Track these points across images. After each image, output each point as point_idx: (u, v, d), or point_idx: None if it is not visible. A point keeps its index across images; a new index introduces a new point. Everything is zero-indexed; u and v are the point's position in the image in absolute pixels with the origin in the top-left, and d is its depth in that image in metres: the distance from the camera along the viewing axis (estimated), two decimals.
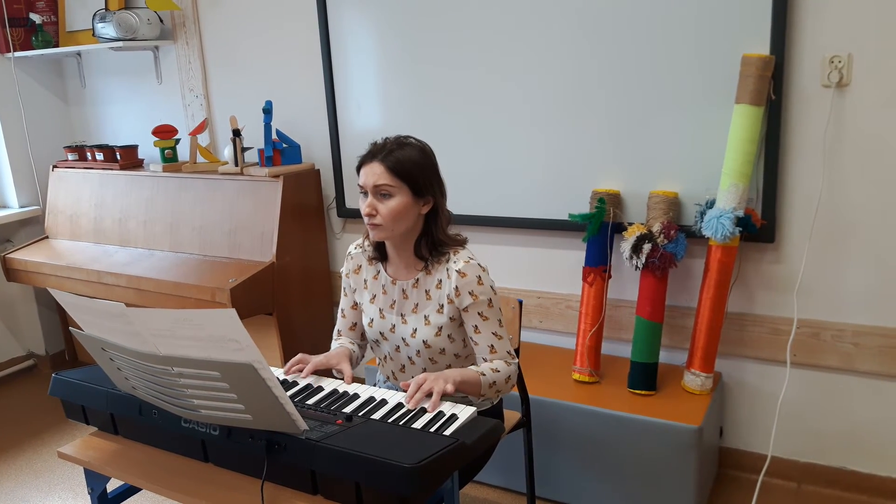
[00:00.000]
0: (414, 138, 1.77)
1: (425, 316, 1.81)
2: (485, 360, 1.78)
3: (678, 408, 2.31)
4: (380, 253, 1.87)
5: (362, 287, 1.92)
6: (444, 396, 1.60)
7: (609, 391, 2.47)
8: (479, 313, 1.76)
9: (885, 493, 2.40)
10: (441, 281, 1.79)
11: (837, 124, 2.23)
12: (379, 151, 1.72)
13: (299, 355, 1.82)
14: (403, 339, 1.85)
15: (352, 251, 1.94)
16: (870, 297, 2.29)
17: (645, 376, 2.42)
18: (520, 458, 2.26)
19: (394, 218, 1.71)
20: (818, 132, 2.25)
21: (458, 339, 1.84)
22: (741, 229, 2.26)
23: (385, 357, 1.94)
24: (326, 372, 1.81)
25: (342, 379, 1.76)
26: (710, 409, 2.35)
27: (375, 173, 1.70)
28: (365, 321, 1.92)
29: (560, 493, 2.46)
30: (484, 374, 1.72)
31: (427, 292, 1.81)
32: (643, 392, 2.42)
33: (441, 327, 1.80)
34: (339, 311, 1.98)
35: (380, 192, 1.71)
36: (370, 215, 1.72)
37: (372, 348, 1.98)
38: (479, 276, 1.75)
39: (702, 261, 2.42)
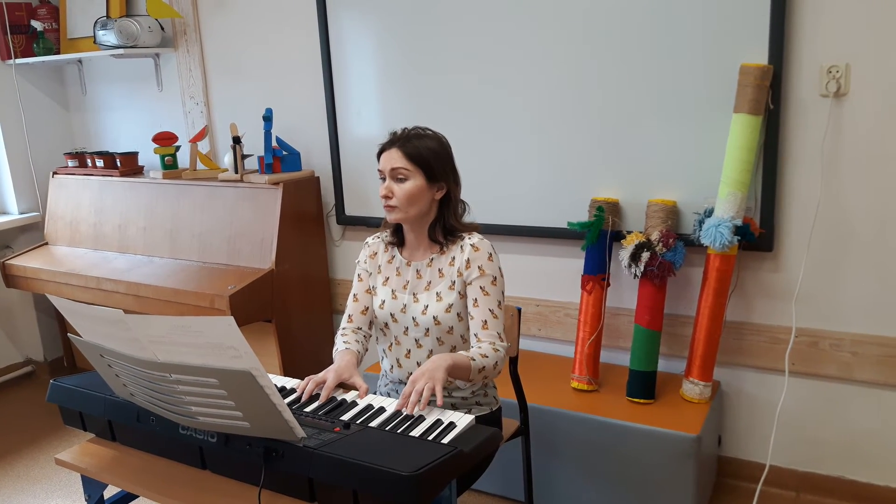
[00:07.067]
0: (431, 129, 1.89)
1: (437, 293, 1.88)
2: (476, 336, 1.83)
3: (677, 416, 2.31)
4: (398, 238, 1.96)
5: (376, 271, 1.99)
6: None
7: (607, 399, 2.46)
8: (481, 287, 1.84)
9: (884, 502, 2.39)
10: (454, 258, 1.88)
11: (836, 133, 2.24)
12: (397, 139, 1.85)
13: (312, 383, 1.73)
14: (414, 319, 1.89)
15: (369, 241, 2.04)
16: (868, 306, 2.30)
17: (643, 385, 2.42)
18: (518, 467, 2.26)
19: (408, 200, 1.82)
20: (816, 141, 2.26)
21: (466, 319, 1.89)
22: (739, 238, 2.27)
23: (391, 344, 1.96)
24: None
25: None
26: (709, 417, 2.35)
27: (393, 158, 1.83)
28: (376, 303, 1.96)
29: (558, 501, 2.45)
30: (474, 360, 1.76)
31: (440, 270, 1.89)
32: (642, 400, 2.42)
33: (451, 304, 1.86)
34: (352, 296, 2.01)
35: (396, 176, 1.83)
36: (386, 197, 1.84)
37: (378, 339, 2.00)
38: (490, 254, 1.87)
39: (700, 269, 2.43)
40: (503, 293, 1.89)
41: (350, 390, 1.75)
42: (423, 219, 1.88)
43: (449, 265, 1.88)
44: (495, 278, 1.86)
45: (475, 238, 1.88)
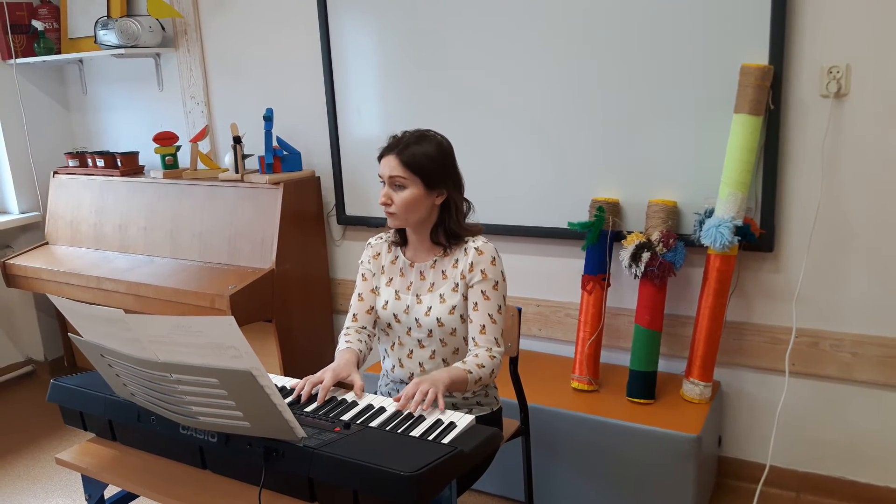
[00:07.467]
0: (434, 132, 1.86)
1: (440, 294, 1.87)
2: (473, 340, 1.84)
3: (677, 417, 2.31)
4: (400, 237, 1.96)
5: (379, 271, 1.98)
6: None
7: (608, 400, 2.46)
8: (482, 291, 1.84)
9: (885, 502, 2.39)
10: (458, 260, 1.88)
11: (836, 134, 2.24)
12: (396, 145, 1.83)
13: (308, 384, 1.72)
14: (417, 320, 1.89)
15: (372, 241, 2.03)
16: (868, 307, 2.30)
17: (644, 385, 2.42)
18: (518, 467, 2.26)
19: (406, 208, 1.81)
20: (817, 142, 2.26)
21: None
22: (740, 238, 2.27)
23: (394, 344, 1.96)
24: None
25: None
26: (709, 418, 2.35)
27: (391, 165, 1.81)
28: (379, 304, 1.96)
29: (558, 501, 2.45)
30: (471, 372, 1.76)
31: (444, 272, 1.89)
32: (642, 401, 2.42)
33: (455, 306, 1.86)
34: (356, 295, 2.00)
35: (394, 183, 1.82)
36: (385, 204, 1.83)
37: (380, 338, 2.00)
38: (494, 258, 1.86)
39: (701, 269, 2.43)
40: (504, 298, 1.88)
41: (350, 390, 1.75)
42: (424, 223, 1.87)
43: (452, 267, 1.88)
44: (497, 283, 1.85)
45: (479, 241, 1.88)
